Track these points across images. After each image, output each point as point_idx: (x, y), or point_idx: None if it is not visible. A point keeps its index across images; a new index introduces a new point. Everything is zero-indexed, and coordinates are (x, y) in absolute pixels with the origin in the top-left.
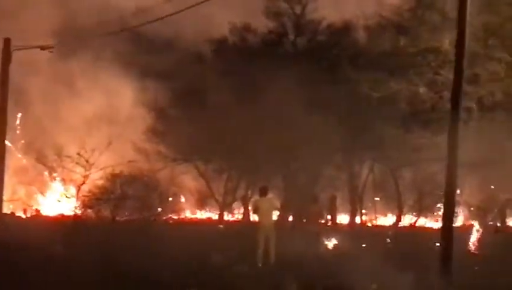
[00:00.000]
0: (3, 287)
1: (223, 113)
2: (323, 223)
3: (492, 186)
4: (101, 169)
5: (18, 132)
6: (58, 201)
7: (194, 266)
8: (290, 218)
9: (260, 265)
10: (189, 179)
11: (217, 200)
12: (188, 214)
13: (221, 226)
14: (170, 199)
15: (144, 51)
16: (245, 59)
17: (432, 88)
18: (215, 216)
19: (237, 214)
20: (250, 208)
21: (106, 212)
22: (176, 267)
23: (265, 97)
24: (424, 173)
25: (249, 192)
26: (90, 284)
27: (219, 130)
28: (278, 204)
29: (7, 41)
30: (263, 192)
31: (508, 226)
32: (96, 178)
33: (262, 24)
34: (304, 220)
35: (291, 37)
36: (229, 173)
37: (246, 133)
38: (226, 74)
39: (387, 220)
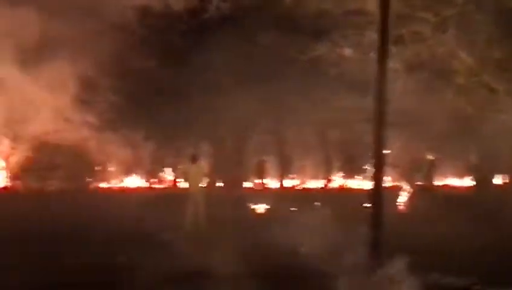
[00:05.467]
0: None
1: (148, 81)
2: (251, 187)
3: (420, 147)
4: (28, 140)
5: None
6: None
7: (122, 234)
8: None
9: (189, 231)
10: (116, 148)
11: (145, 168)
12: (116, 182)
13: (151, 193)
14: (98, 167)
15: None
16: (169, 26)
17: (358, 50)
18: (144, 184)
19: (166, 182)
20: (180, 174)
21: (35, 183)
22: (104, 236)
23: (191, 64)
24: (352, 134)
25: (178, 159)
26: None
27: (144, 97)
28: (205, 170)
29: None
30: (193, 159)
31: (435, 185)
32: (25, 149)
33: None
34: (227, 185)
35: (215, 1)
36: (156, 140)
37: (172, 100)
38: (150, 41)
39: (316, 183)
